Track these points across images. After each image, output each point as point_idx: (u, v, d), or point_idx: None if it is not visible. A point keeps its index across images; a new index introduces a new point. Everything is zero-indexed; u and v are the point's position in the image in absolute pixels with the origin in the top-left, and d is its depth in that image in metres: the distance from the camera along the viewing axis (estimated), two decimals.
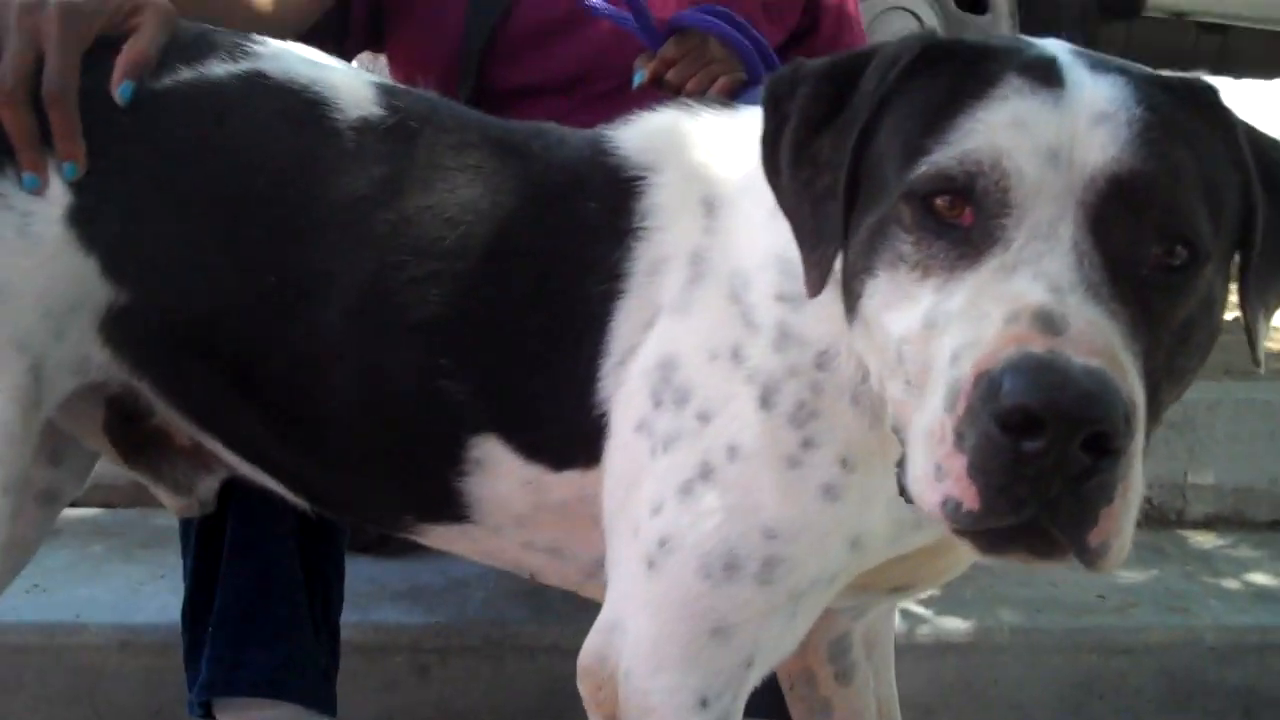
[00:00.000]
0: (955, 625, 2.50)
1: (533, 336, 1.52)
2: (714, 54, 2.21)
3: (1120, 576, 2.71)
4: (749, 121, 1.56)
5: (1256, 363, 1.28)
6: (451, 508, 1.58)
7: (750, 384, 1.41)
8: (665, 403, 1.44)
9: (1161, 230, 1.16)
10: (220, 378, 1.57)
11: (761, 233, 1.45)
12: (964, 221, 1.16)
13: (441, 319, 1.53)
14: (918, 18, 5.18)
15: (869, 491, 1.40)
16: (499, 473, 1.54)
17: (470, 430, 1.53)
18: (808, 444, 1.39)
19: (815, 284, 1.26)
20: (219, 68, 1.60)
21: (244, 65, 1.61)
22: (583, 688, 1.50)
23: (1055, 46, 1.26)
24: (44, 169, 1.53)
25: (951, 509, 1.09)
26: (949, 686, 2.49)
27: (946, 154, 1.16)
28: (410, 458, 1.57)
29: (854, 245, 1.24)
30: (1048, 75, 1.20)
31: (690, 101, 1.64)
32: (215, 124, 1.57)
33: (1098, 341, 1.08)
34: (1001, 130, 1.16)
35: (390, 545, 2.51)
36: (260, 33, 1.72)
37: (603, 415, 1.48)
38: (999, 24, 5.24)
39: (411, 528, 1.65)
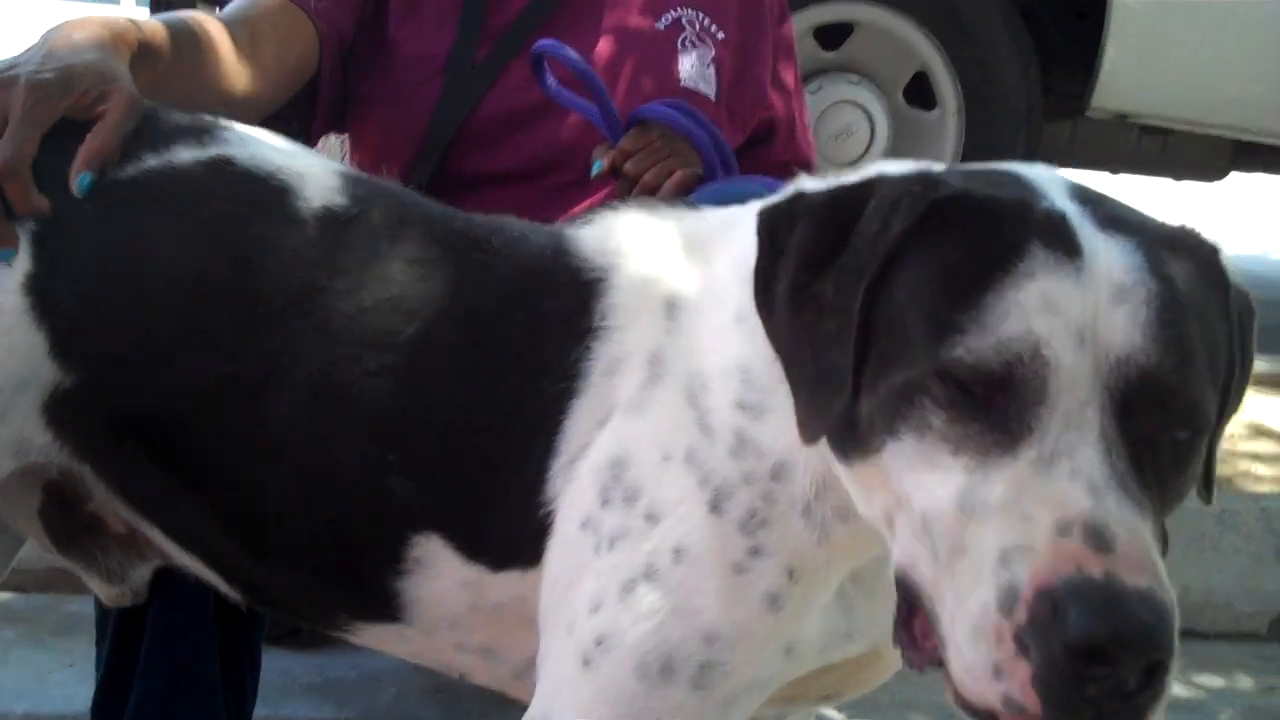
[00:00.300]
0: None
1: (484, 434, 1.51)
2: (672, 148, 2.25)
3: None
4: (712, 223, 1.61)
5: (1208, 501, 1.34)
6: (388, 607, 1.56)
7: (702, 488, 1.41)
8: (614, 501, 1.44)
9: (1181, 419, 1.21)
10: (166, 466, 1.55)
11: (725, 338, 1.45)
12: (997, 405, 1.18)
13: (393, 414, 1.52)
14: (866, 112, 5.23)
15: (809, 602, 1.42)
16: (439, 573, 1.53)
17: (413, 528, 1.52)
18: (755, 552, 1.40)
19: (814, 433, 1.28)
20: (185, 153, 1.61)
21: (210, 151, 1.62)
22: None
23: (1057, 192, 1.28)
24: (14, 240, 1.52)
25: (1014, 709, 1.13)
26: None
27: (984, 341, 1.17)
28: (351, 554, 1.56)
29: (871, 401, 1.24)
30: (1066, 242, 1.22)
31: (653, 201, 1.67)
32: (178, 210, 1.57)
33: (1144, 558, 1.13)
34: (1035, 315, 1.18)
35: (302, 636, 2.47)
36: (228, 116, 1.72)
37: (548, 514, 1.48)
38: (946, 120, 5.31)
39: (346, 626, 1.63)
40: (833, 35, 5.20)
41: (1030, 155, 5.42)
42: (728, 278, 1.50)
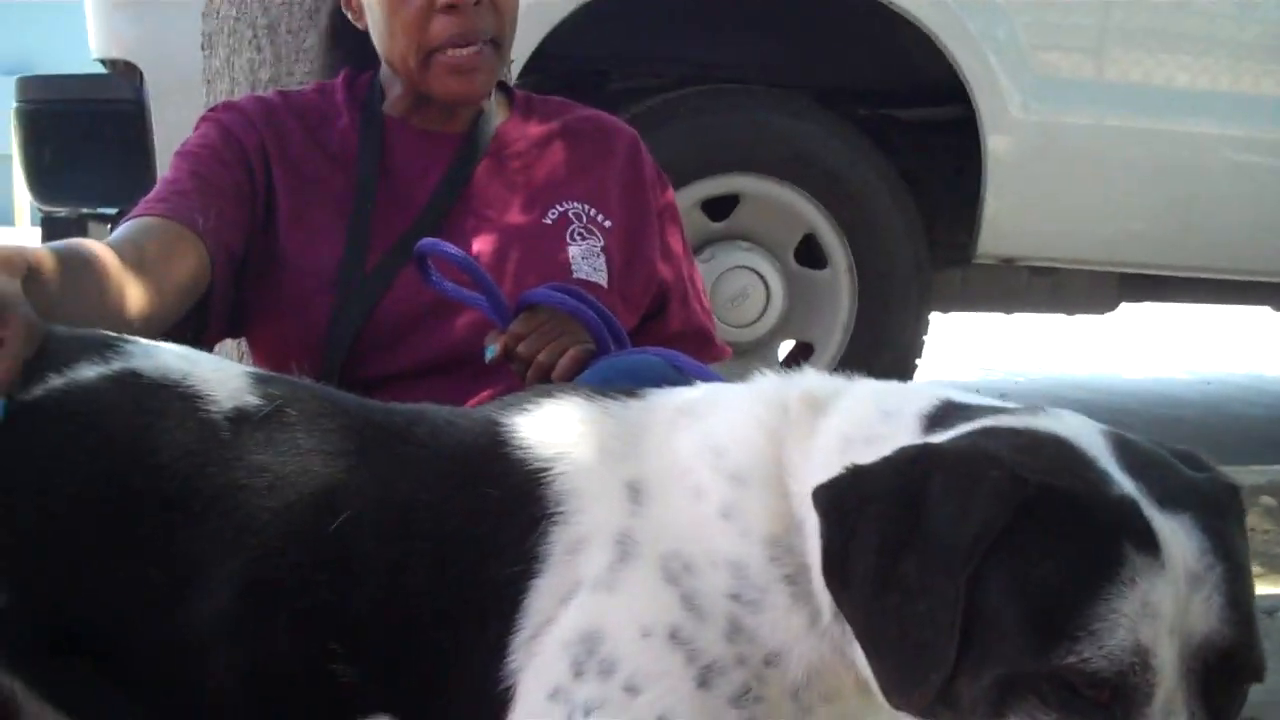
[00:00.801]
0: None
1: (430, 619, 1.56)
2: (563, 327, 2.34)
3: None
4: (655, 408, 1.68)
5: None
6: None
7: (690, 664, 1.48)
8: (588, 673, 1.49)
9: (1250, 680, 1.35)
10: (100, 674, 1.58)
11: (711, 530, 1.53)
12: (1103, 703, 1.29)
13: (328, 605, 1.56)
14: (760, 276, 5.39)
15: None
16: None
17: (362, 713, 1.56)
18: None
19: (915, 702, 1.34)
20: (89, 370, 1.65)
21: (115, 365, 1.67)
22: None
23: (1110, 464, 1.37)
24: None
25: None
26: None
27: (1096, 651, 1.27)
28: None
29: (973, 684, 1.32)
30: (1149, 539, 1.31)
31: (589, 390, 1.72)
32: (87, 426, 1.61)
33: None
34: (1141, 624, 1.28)
35: None
36: (126, 334, 1.77)
37: (508, 689, 1.53)
38: (839, 278, 5.46)
39: None
40: (720, 206, 5.38)
41: (923, 304, 5.61)
42: (698, 467, 1.57)
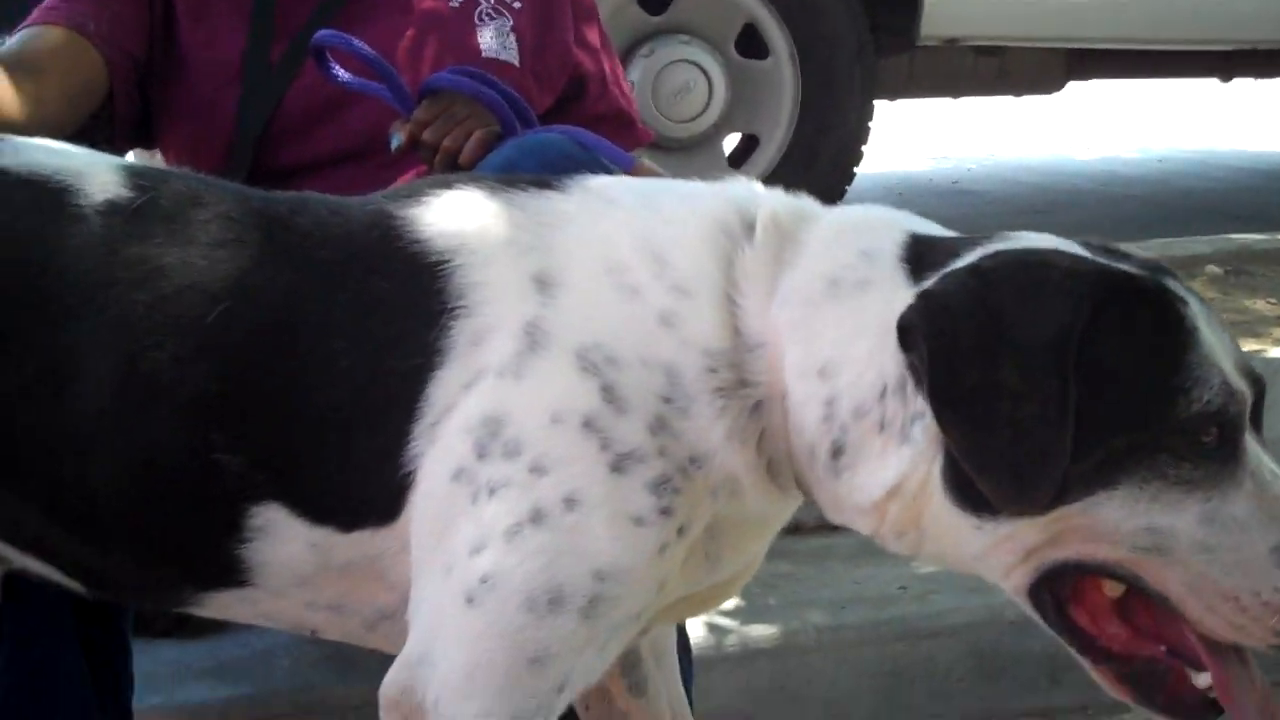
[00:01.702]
0: (762, 631, 2.56)
1: (320, 410, 1.54)
2: (468, 111, 2.27)
3: (921, 566, 2.78)
4: (560, 200, 1.64)
5: None
6: (233, 575, 1.59)
7: (604, 450, 1.49)
8: (492, 455, 1.49)
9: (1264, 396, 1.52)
10: None
11: (641, 331, 1.53)
12: (1213, 439, 1.42)
13: (210, 395, 1.54)
14: (701, 69, 5.31)
15: (685, 549, 1.54)
16: (283, 537, 1.56)
17: (251, 500, 1.55)
18: (665, 512, 1.50)
19: (1037, 501, 1.41)
20: None
21: None
22: None
23: (1100, 255, 1.51)
24: None
25: None
26: (762, 692, 2.53)
27: (1208, 393, 1.41)
28: (187, 532, 1.58)
29: (1079, 469, 1.40)
30: (1184, 301, 1.46)
31: (495, 181, 1.67)
32: None
33: None
34: (1223, 360, 1.44)
35: (189, 625, 2.50)
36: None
37: (409, 474, 1.52)
38: (781, 68, 5.39)
39: (192, 600, 1.65)
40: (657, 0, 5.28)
41: (868, 91, 5.54)
42: (635, 267, 1.56)
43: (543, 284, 1.55)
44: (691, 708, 1.95)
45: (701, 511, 1.54)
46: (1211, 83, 7.01)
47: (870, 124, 5.61)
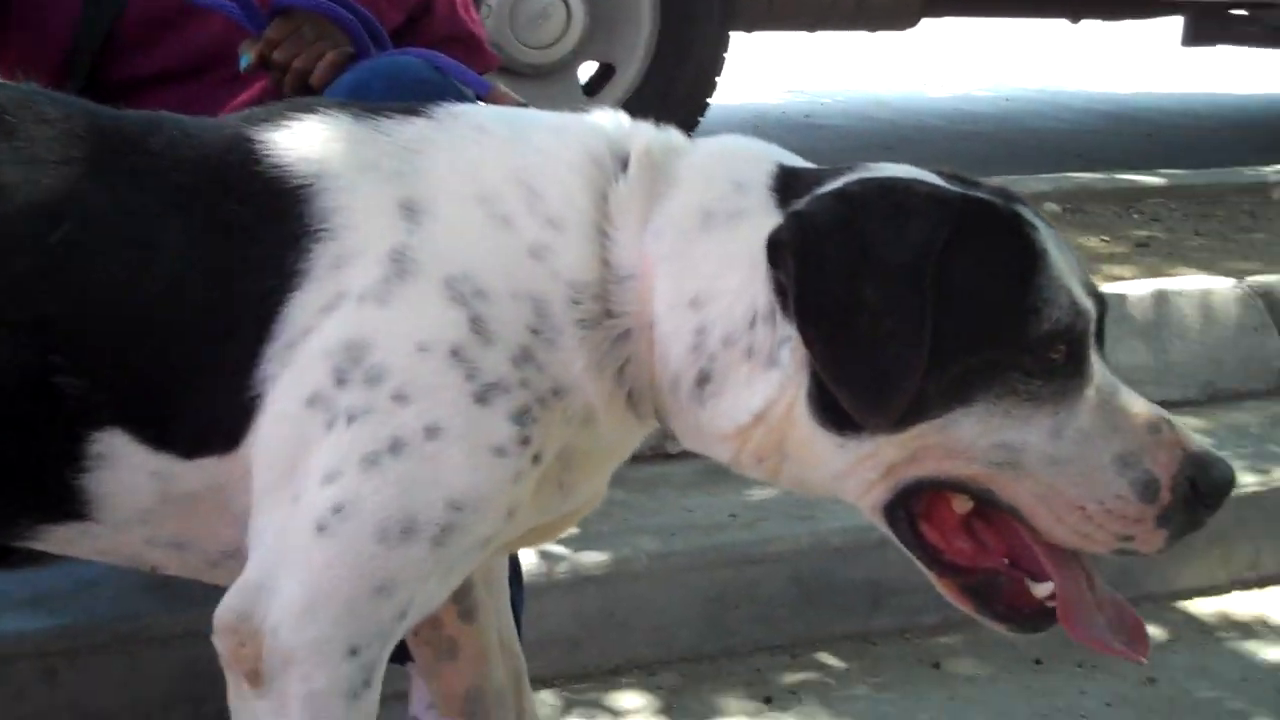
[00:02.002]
0: (593, 558, 2.58)
1: (165, 332, 1.51)
2: (320, 32, 2.23)
3: (751, 494, 2.84)
4: (440, 124, 1.62)
5: None
6: (73, 506, 1.56)
7: (469, 381, 1.48)
8: (352, 381, 1.47)
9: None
10: None
11: (512, 262, 1.53)
12: (1058, 360, 1.48)
13: (48, 316, 1.50)
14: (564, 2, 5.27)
15: (538, 478, 1.55)
16: (124, 465, 1.53)
17: (90, 425, 1.51)
18: (524, 441, 1.51)
19: (890, 415, 1.46)
20: None
21: None
22: (222, 645, 1.52)
23: (955, 184, 1.57)
24: None
25: (1129, 552, 1.51)
26: (591, 617, 2.56)
27: (1058, 312, 1.48)
28: (23, 460, 1.54)
29: (935, 385, 1.46)
30: (1033, 224, 1.53)
31: (359, 106, 1.65)
32: None
33: None
34: (1070, 283, 1.50)
35: (12, 558, 2.45)
36: None
37: (256, 397, 1.50)
38: None
39: (29, 533, 1.61)
40: None
41: (725, 21, 5.54)
42: (508, 198, 1.55)
43: (410, 211, 1.54)
44: (521, 634, 1.97)
45: (556, 440, 1.55)
46: (1061, 24, 7.12)
47: (725, 55, 5.61)
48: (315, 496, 1.48)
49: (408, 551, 1.48)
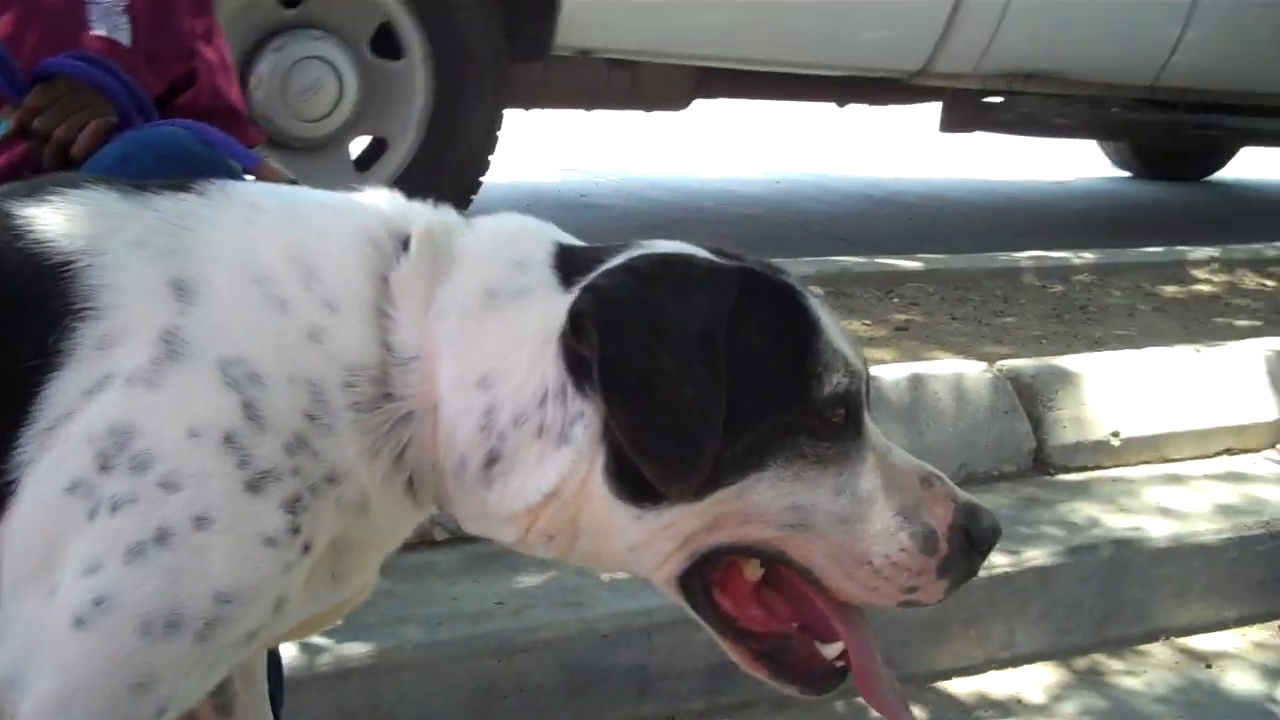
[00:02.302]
0: (357, 649, 2.53)
1: None
2: (83, 100, 2.20)
3: (519, 581, 2.83)
4: (212, 201, 1.58)
5: None
6: None
7: (241, 469, 1.44)
8: (117, 467, 1.42)
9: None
10: None
11: (289, 346, 1.50)
12: (838, 422, 1.54)
13: None
14: (333, 66, 5.22)
15: (306, 568, 1.52)
16: None
17: None
18: (294, 530, 1.47)
19: (695, 483, 1.49)
20: None
21: None
22: None
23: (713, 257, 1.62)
24: None
25: (914, 603, 1.59)
26: (356, 711, 2.52)
27: (837, 376, 1.54)
28: None
29: (731, 451, 1.50)
30: (807, 296, 1.59)
31: (126, 182, 1.59)
32: None
33: None
34: (846, 351, 1.57)
35: None
36: None
37: (10, 483, 1.44)
38: (413, 70, 5.36)
39: None
40: None
41: (499, 98, 5.57)
42: (284, 279, 1.52)
43: (181, 290, 1.50)
44: None
45: (328, 529, 1.52)
46: (829, 108, 7.36)
47: (499, 133, 5.64)
48: (74, 588, 1.42)
49: (170, 646, 1.43)
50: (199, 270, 1.51)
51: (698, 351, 1.49)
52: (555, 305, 1.54)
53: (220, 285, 1.51)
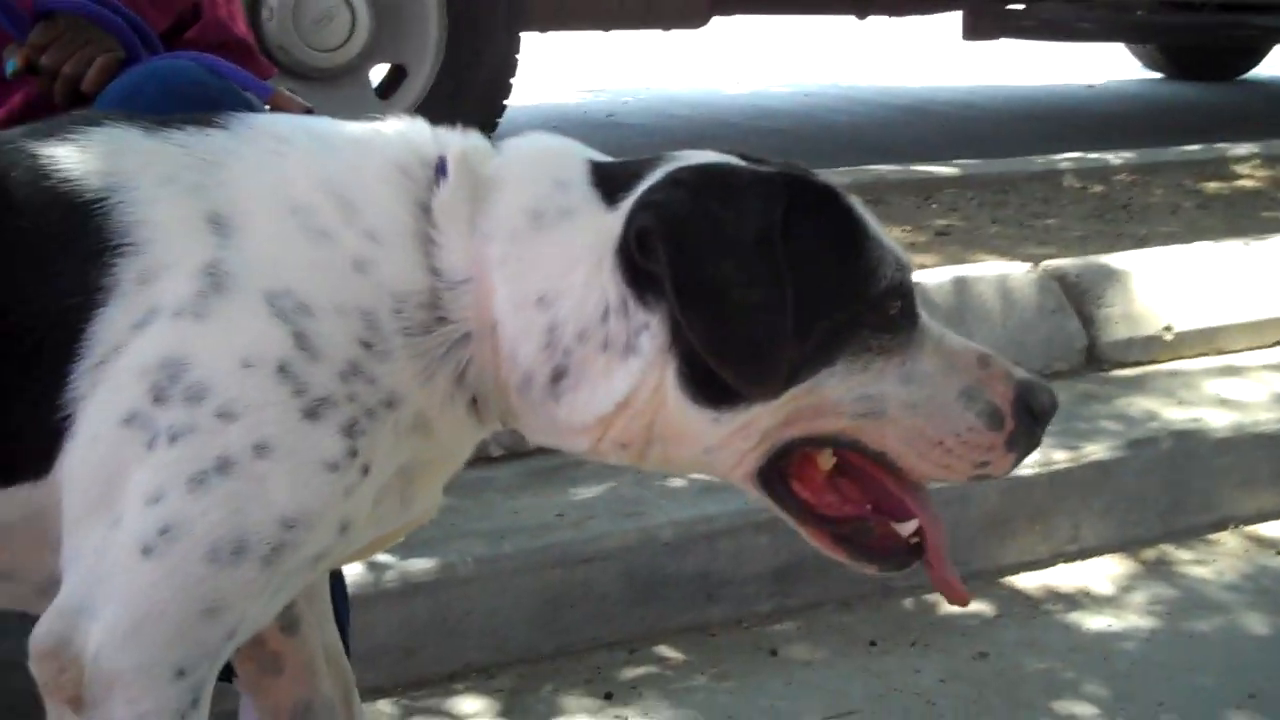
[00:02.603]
0: (421, 565, 2.52)
1: None
2: (87, 35, 2.16)
3: (578, 494, 2.81)
4: (239, 135, 1.57)
5: None
6: None
7: (297, 397, 1.45)
8: (172, 399, 1.42)
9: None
10: None
11: (335, 276, 1.50)
12: (898, 314, 1.57)
13: None
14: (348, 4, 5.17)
15: (374, 492, 1.53)
16: None
17: None
18: (352, 453, 1.48)
19: (776, 385, 1.53)
20: None
21: None
22: (40, 672, 1.46)
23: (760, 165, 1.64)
24: None
25: (985, 476, 1.65)
26: (423, 625, 2.51)
27: (891, 270, 1.56)
28: None
29: (800, 350, 1.53)
30: (846, 195, 1.61)
31: (150, 119, 1.58)
32: None
33: None
34: (890, 242, 1.59)
35: None
36: None
37: (66, 418, 1.44)
38: None
39: None
40: None
41: (514, 22, 5.51)
42: (323, 210, 1.52)
43: (218, 224, 1.49)
44: (349, 646, 1.92)
45: (387, 453, 1.52)
46: (849, 20, 7.26)
47: (519, 56, 5.58)
48: (139, 518, 1.42)
49: (238, 572, 1.44)
50: (234, 204, 1.51)
51: (755, 258, 1.51)
52: (604, 222, 1.55)
53: (258, 218, 1.51)
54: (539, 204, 1.57)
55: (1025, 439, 1.62)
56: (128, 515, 1.43)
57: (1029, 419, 1.61)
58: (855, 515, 1.66)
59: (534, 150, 1.64)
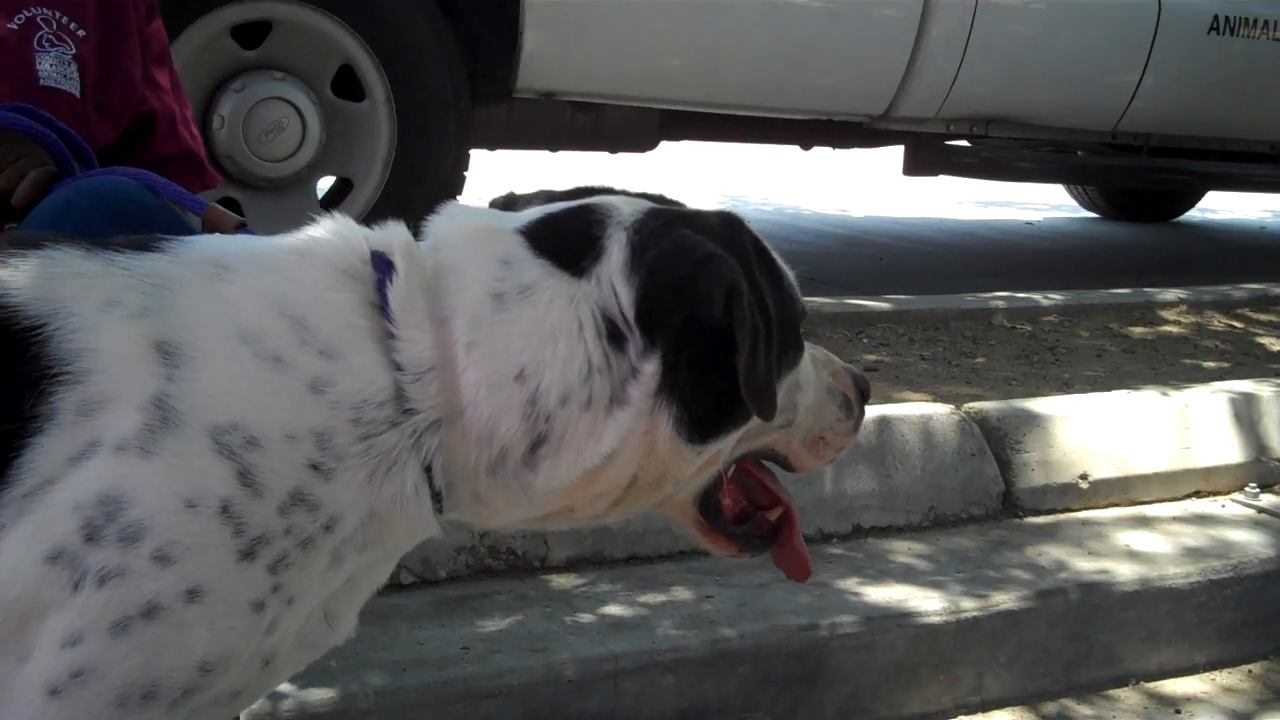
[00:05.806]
0: (320, 695, 2.48)
1: None
2: (20, 150, 2.17)
3: (484, 625, 2.79)
4: (179, 259, 1.54)
5: None
6: None
7: (235, 537, 1.42)
8: (106, 538, 1.38)
9: None
10: None
11: (290, 403, 1.47)
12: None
13: None
14: (295, 107, 5.20)
15: (299, 621, 1.51)
16: None
17: None
18: (276, 589, 1.45)
19: (776, 408, 1.68)
20: None
21: None
22: None
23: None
24: None
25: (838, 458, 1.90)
26: None
27: (799, 296, 1.76)
28: None
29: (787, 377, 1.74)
30: None
31: (89, 241, 1.55)
32: None
33: None
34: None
35: None
36: None
37: None
38: (377, 110, 5.35)
39: None
40: (251, 34, 5.15)
41: (463, 139, 5.56)
42: (274, 334, 1.49)
43: (166, 353, 1.45)
44: None
45: (317, 579, 1.50)
46: (793, 150, 7.38)
47: (466, 173, 5.63)
48: (51, 659, 1.39)
49: (144, 715, 1.41)
50: (182, 332, 1.48)
51: (757, 304, 1.63)
52: (579, 290, 1.59)
53: (208, 347, 1.48)
54: (496, 286, 1.58)
55: (860, 417, 1.89)
56: (39, 654, 1.39)
57: (862, 402, 1.89)
58: (744, 513, 1.88)
59: (463, 233, 1.64)
